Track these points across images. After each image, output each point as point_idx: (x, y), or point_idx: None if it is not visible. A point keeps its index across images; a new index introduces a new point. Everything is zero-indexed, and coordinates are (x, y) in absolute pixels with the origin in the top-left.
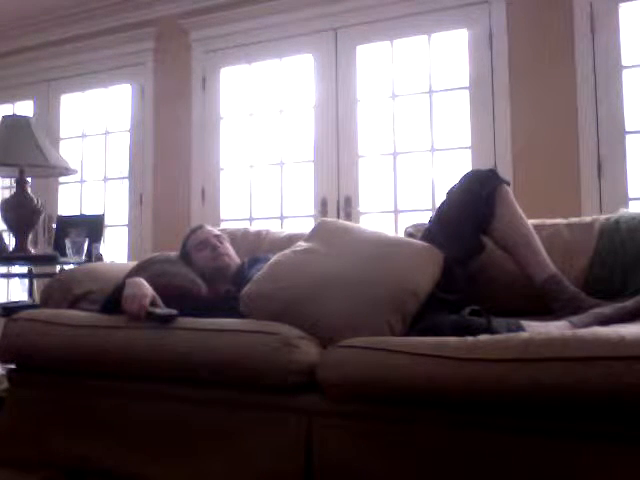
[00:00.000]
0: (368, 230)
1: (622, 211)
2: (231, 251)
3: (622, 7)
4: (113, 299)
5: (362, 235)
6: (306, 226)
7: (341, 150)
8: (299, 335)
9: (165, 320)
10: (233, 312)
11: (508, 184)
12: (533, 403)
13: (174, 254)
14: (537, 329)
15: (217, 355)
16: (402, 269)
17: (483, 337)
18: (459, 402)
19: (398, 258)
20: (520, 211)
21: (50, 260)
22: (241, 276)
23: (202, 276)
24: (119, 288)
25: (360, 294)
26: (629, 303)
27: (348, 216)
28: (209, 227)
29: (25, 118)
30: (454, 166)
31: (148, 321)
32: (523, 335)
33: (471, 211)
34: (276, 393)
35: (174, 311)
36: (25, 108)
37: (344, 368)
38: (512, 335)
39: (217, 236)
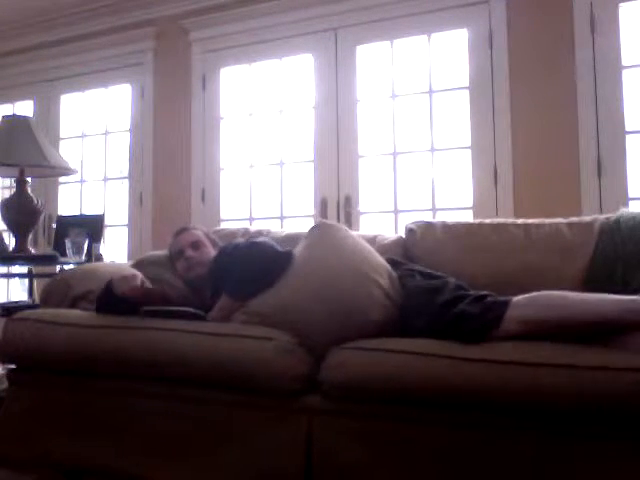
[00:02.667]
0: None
1: (622, 211)
2: (206, 256)
3: (622, 7)
4: (105, 293)
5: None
6: (306, 226)
7: (341, 150)
8: (295, 341)
9: (170, 315)
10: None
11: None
12: (534, 404)
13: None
14: None
15: (215, 358)
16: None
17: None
18: (459, 402)
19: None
20: (536, 300)
21: (50, 260)
22: (214, 277)
23: (186, 283)
24: (107, 286)
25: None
26: None
27: (348, 216)
28: (190, 230)
29: (25, 118)
30: (454, 166)
31: (150, 316)
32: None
33: None
34: (276, 394)
35: (180, 308)
36: (25, 108)
37: (345, 368)
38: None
39: (194, 243)
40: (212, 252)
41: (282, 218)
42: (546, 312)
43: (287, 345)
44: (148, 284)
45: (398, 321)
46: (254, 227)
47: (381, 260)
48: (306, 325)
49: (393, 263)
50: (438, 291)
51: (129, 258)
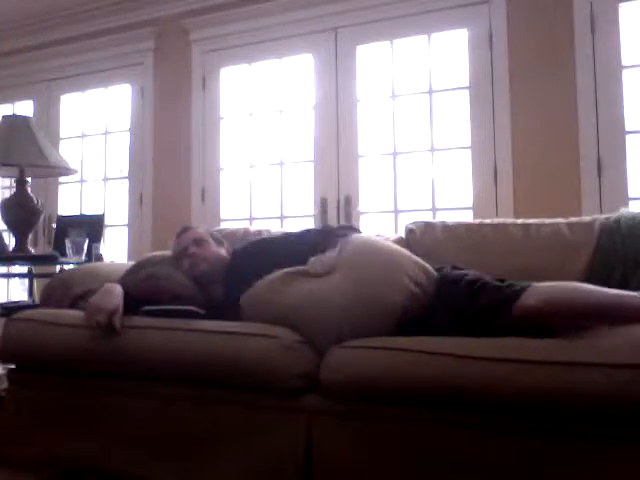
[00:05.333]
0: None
1: (622, 211)
2: (211, 253)
3: (622, 7)
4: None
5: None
6: (306, 226)
7: (341, 150)
8: (298, 339)
9: (170, 314)
10: (221, 316)
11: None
12: (536, 404)
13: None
14: None
15: (215, 356)
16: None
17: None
18: (461, 401)
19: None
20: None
21: (50, 260)
22: (233, 272)
23: (193, 280)
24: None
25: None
26: None
27: (348, 216)
28: (193, 229)
29: (25, 118)
30: (454, 166)
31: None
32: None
33: None
34: (277, 394)
35: (180, 307)
36: (25, 108)
37: (345, 368)
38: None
39: (196, 241)
40: (216, 249)
41: (282, 218)
42: (565, 294)
43: (290, 343)
44: (119, 316)
45: (425, 315)
46: (254, 227)
47: (405, 251)
48: (325, 316)
49: None
50: (462, 277)
51: (129, 258)
